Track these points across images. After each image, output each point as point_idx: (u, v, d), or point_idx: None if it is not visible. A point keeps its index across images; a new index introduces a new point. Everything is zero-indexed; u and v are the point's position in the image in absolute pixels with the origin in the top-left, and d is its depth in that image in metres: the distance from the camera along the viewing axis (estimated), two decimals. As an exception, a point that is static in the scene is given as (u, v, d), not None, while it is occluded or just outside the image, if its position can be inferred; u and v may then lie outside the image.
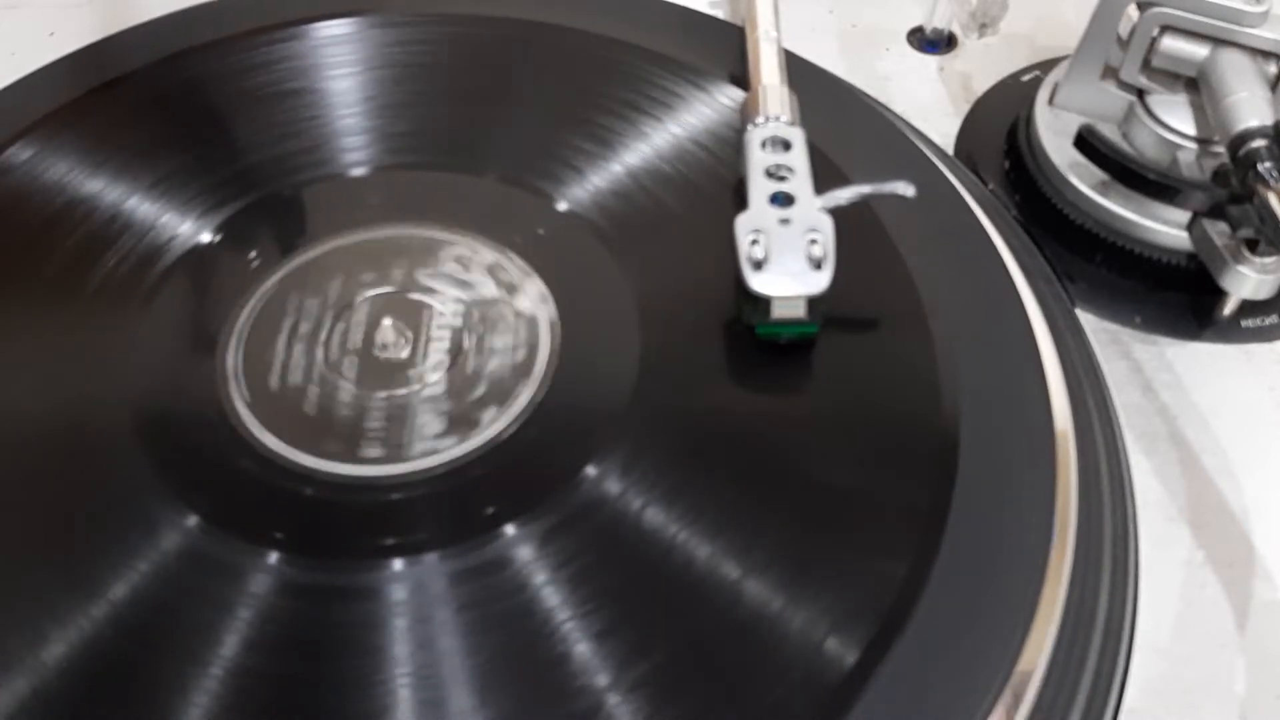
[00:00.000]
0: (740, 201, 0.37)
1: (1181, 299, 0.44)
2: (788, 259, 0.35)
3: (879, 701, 0.29)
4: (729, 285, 0.37)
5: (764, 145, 0.39)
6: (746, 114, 0.41)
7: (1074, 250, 0.46)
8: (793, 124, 0.40)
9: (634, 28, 0.46)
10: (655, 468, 0.34)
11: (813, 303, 0.35)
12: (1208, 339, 0.44)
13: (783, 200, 0.37)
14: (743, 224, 0.36)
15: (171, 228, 0.40)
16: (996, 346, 0.37)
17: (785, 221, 0.36)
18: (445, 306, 0.38)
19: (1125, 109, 0.46)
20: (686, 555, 0.32)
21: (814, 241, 0.36)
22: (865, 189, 0.37)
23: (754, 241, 0.36)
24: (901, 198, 0.37)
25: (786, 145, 0.39)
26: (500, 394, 0.36)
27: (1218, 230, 0.42)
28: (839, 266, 0.35)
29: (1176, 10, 0.43)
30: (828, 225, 0.36)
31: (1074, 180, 0.45)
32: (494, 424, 0.35)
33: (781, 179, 0.38)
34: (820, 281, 0.35)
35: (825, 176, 0.38)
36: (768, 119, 0.40)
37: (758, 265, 0.35)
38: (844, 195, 0.37)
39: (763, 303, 0.35)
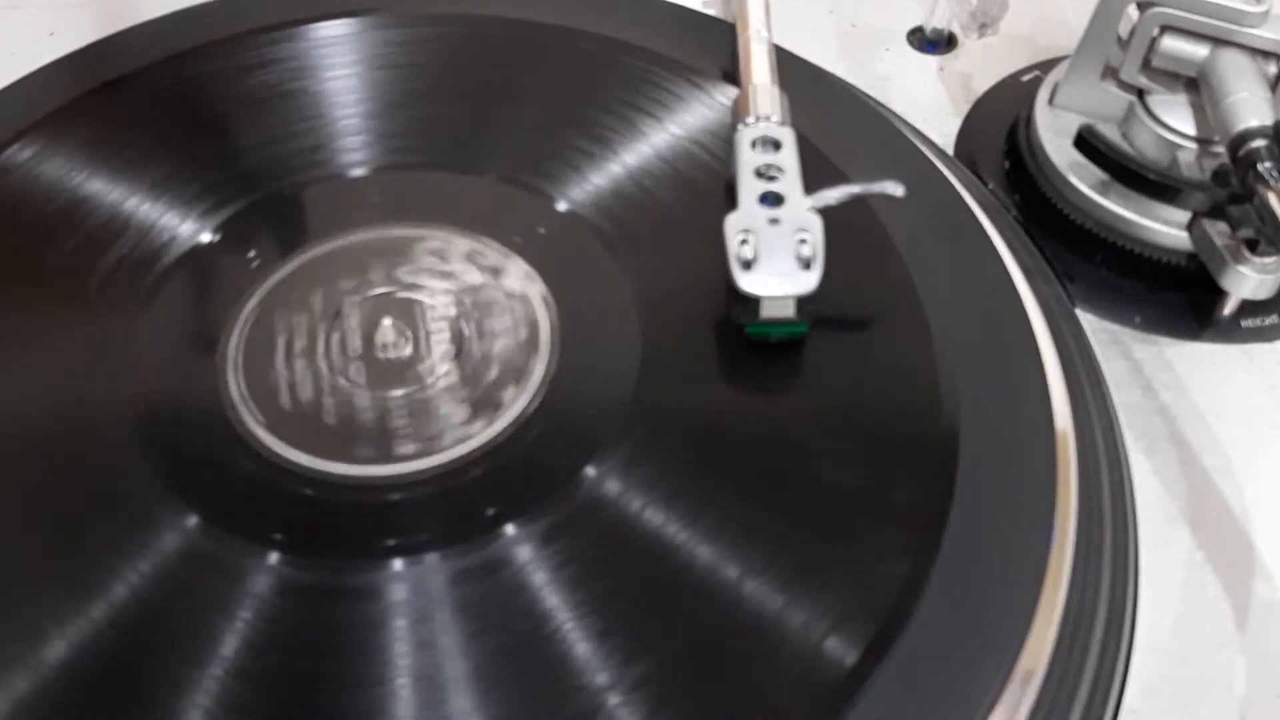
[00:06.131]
0: (730, 201, 0.37)
1: (1181, 299, 0.44)
2: (777, 259, 0.35)
3: (879, 701, 0.29)
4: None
5: (754, 145, 0.39)
6: (737, 113, 0.41)
7: (1074, 250, 0.46)
8: (783, 124, 0.40)
9: (632, 27, 0.46)
10: (655, 467, 0.34)
11: (802, 302, 0.35)
12: (1208, 339, 0.44)
13: (772, 200, 0.37)
14: (732, 224, 0.36)
15: (172, 228, 0.40)
16: (996, 346, 0.37)
17: (775, 221, 0.36)
18: (445, 306, 0.38)
19: (1125, 109, 0.46)
20: (686, 555, 0.32)
21: (803, 241, 0.36)
22: (854, 189, 0.37)
23: (743, 241, 0.36)
24: (892, 197, 0.37)
25: (776, 145, 0.39)
26: (500, 393, 0.36)
27: (1218, 230, 0.42)
28: (840, 267, 0.35)
29: (1176, 10, 0.43)
30: (817, 225, 0.36)
31: (1074, 180, 0.45)
32: (495, 423, 0.35)
33: (771, 179, 0.38)
34: (809, 281, 0.35)
35: (825, 177, 0.38)
36: (758, 119, 0.40)
37: (747, 265, 0.35)
38: (833, 195, 0.37)
39: (752, 302, 0.35)
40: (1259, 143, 0.40)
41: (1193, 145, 0.44)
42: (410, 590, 0.31)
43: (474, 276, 0.39)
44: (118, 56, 0.46)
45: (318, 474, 0.34)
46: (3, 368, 0.37)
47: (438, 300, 0.38)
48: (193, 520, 0.33)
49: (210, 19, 0.47)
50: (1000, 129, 0.50)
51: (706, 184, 0.41)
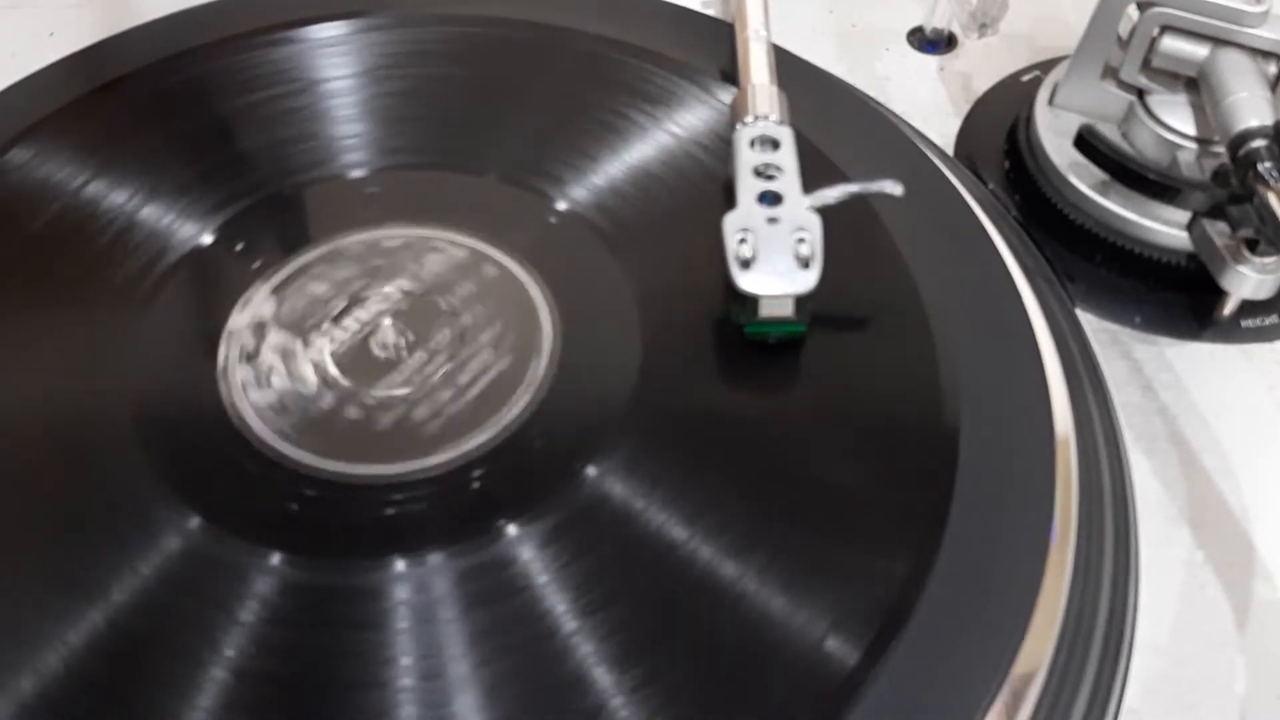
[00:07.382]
0: (729, 201, 0.37)
1: (1181, 299, 0.44)
2: (775, 258, 0.35)
3: (879, 701, 0.29)
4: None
5: (752, 144, 0.39)
6: (735, 113, 0.41)
7: (1074, 250, 0.46)
8: (781, 123, 0.40)
9: (632, 27, 0.46)
10: (656, 467, 0.34)
11: (800, 302, 0.35)
12: (1208, 339, 0.44)
13: (771, 199, 0.37)
14: (730, 223, 0.36)
15: (172, 228, 0.40)
16: (996, 346, 0.37)
17: (773, 220, 0.36)
18: (445, 306, 0.38)
19: (1125, 109, 0.46)
20: (687, 555, 0.32)
21: (802, 240, 0.36)
22: (853, 188, 0.37)
23: (742, 240, 0.36)
24: (891, 196, 0.37)
25: (775, 144, 0.39)
26: (500, 394, 0.36)
27: (1218, 230, 0.42)
28: (840, 266, 0.35)
29: (1176, 10, 0.43)
30: (816, 224, 0.36)
31: (1074, 180, 0.45)
32: (495, 424, 0.35)
33: (770, 178, 0.38)
34: (808, 280, 0.35)
35: (824, 177, 0.38)
36: (756, 118, 0.40)
37: (745, 264, 0.35)
38: (832, 194, 0.37)
39: (750, 302, 0.35)
40: (1259, 143, 0.40)
41: (1193, 145, 0.44)
42: (412, 590, 0.31)
43: (474, 277, 0.39)
44: (118, 57, 0.46)
45: (319, 474, 0.34)
46: (3, 368, 0.37)
47: (437, 300, 0.38)
48: (194, 520, 0.33)
49: (210, 19, 0.47)
50: (1000, 129, 0.50)
51: (706, 183, 0.41)
